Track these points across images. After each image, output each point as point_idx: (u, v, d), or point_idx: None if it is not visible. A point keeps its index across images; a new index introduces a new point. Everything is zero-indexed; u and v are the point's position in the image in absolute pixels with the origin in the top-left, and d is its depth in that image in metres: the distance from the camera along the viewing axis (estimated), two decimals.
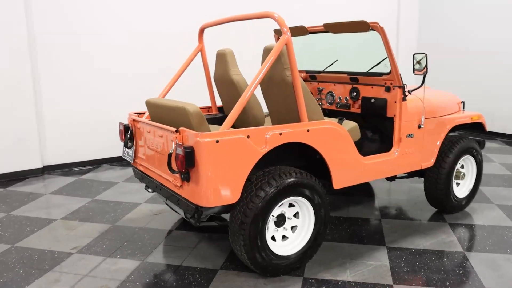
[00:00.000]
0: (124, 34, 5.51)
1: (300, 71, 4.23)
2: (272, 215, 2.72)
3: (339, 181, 3.01)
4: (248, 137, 2.53)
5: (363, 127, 3.80)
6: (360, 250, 3.15)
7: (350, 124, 3.30)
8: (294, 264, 2.82)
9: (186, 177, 2.50)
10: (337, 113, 3.96)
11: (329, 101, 3.93)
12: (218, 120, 3.75)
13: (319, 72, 4.05)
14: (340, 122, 3.28)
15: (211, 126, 3.34)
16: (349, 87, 3.74)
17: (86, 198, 4.33)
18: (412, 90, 3.39)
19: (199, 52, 3.65)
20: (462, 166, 4.01)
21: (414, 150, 3.46)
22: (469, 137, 3.91)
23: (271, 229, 2.77)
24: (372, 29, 3.15)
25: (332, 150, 2.91)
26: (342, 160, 2.98)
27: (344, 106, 3.77)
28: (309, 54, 4.20)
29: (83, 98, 5.39)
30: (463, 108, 4.02)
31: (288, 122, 3.00)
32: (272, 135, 2.61)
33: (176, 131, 2.56)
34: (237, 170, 2.51)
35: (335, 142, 2.91)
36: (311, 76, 4.15)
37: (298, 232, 2.89)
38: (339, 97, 3.81)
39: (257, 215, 2.58)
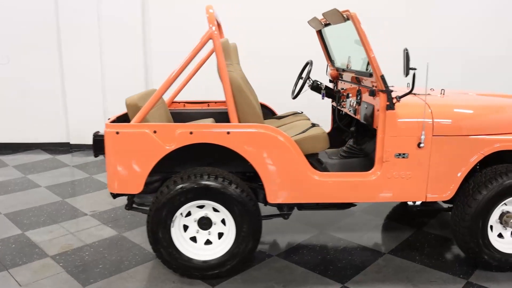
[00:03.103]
0: None
1: (332, 68, 3.74)
2: (181, 214, 2.66)
3: (275, 195, 2.66)
4: (154, 132, 2.57)
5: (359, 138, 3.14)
6: None
7: (314, 132, 2.80)
8: (207, 271, 2.68)
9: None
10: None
11: (347, 106, 3.36)
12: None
13: (343, 69, 3.50)
14: (312, 127, 2.85)
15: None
16: (356, 88, 3.12)
17: None
18: (401, 97, 2.60)
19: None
20: None
21: (410, 175, 2.67)
22: None
23: (193, 229, 2.72)
24: (348, 19, 2.59)
25: (265, 159, 2.59)
26: (279, 172, 2.61)
27: (354, 112, 3.18)
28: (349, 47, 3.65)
29: None
30: None
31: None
32: (180, 133, 2.55)
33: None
34: (139, 162, 2.58)
35: (269, 150, 2.58)
36: (340, 74, 3.62)
37: (222, 240, 2.73)
38: (351, 101, 3.22)
39: (160, 211, 2.59)
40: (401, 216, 3.72)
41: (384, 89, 2.57)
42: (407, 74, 2.44)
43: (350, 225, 3.53)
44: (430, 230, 3.46)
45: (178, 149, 2.58)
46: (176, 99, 3.72)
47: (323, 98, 3.50)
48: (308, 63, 3.45)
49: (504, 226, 2.83)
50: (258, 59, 5.45)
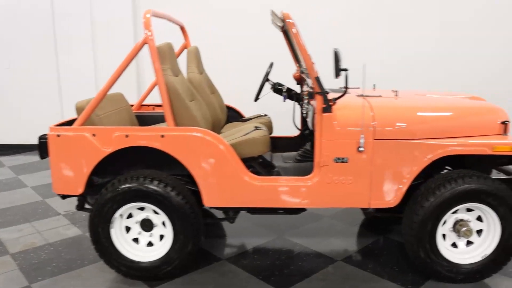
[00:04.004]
0: None
1: (297, 70, 3.67)
2: (121, 215, 2.69)
3: (211, 198, 2.64)
4: (94, 135, 2.62)
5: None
6: None
7: (252, 135, 2.75)
8: (146, 272, 2.70)
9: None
10: None
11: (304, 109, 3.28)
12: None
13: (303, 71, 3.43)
14: (254, 130, 2.81)
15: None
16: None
17: None
18: (336, 99, 2.51)
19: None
20: (480, 218, 2.66)
21: (352, 180, 2.58)
22: (489, 177, 2.55)
23: (135, 231, 2.75)
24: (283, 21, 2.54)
25: (199, 162, 2.58)
26: (214, 175, 2.59)
27: (307, 115, 3.10)
28: None
29: None
30: None
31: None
32: (117, 137, 2.59)
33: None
34: (79, 165, 2.64)
35: (203, 153, 2.57)
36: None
37: (163, 242, 2.74)
38: (304, 104, 3.14)
39: (100, 212, 2.64)
40: (371, 222, 3.60)
41: (319, 91, 2.50)
42: (337, 75, 2.37)
43: (312, 230, 3.45)
44: (395, 237, 3.32)
45: (131, 151, 2.63)
46: (149, 102, 3.78)
47: (284, 101, 3.44)
48: (270, 65, 3.41)
49: (458, 235, 2.68)
50: (246, 62, 5.46)
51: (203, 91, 3.14)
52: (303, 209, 2.84)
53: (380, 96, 2.83)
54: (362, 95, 2.81)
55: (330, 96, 2.56)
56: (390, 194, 2.61)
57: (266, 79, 3.24)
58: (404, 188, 2.60)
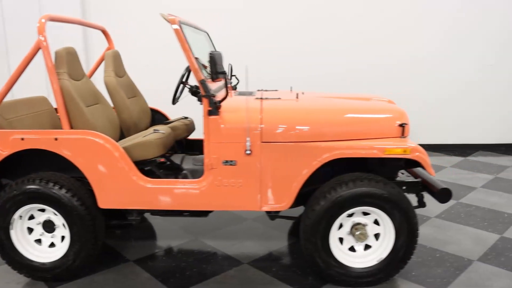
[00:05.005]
0: None
1: None
2: (20, 216, 2.73)
3: (104, 200, 2.67)
4: None
5: None
6: None
7: (145, 138, 2.77)
8: (47, 273, 2.74)
9: None
10: None
11: None
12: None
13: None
14: (151, 134, 2.83)
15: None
16: None
17: None
18: (220, 101, 2.51)
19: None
20: (377, 222, 2.63)
21: (241, 183, 2.58)
22: (382, 180, 2.53)
23: (37, 232, 2.79)
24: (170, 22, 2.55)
25: (91, 164, 2.61)
26: (106, 177, 2.62)
27: None
28: None
29: None
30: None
31: None
32: (13, 140, 2.64)
33: None
34: None
35: (94, 156, 2.60)
36: None
37: (64, 243, 2.78)
38: None
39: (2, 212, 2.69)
40: (294, 226, 3.58)
41: (204, 94, 2.51)
42: (214, 78, 2.37)
43: (231, 233, 3.45)
44: None
45: (40, 153, 2.67)
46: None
47: (201, 103, 3.45)
48: (186, 69, 3.43)
49: (355, 239, 2.66)
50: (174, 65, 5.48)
51: (118, 95, 3.18)
52: (208, 211, 2.85)
53: (279, 98, 2.82)
54: (260, 98, 2.81)
55: (236, 98, 2.56)
56: (281, 198, 2.60)
57: (181, 82, 3.26)
58: (295, 191, 2.59)
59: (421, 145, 6.04)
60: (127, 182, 2.62)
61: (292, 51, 5.82)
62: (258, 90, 3.43)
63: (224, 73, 2.38)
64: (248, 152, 2.52)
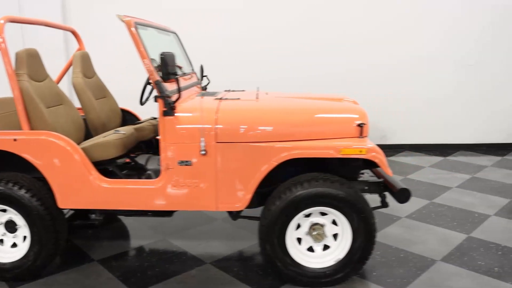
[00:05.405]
0: None
1: None
2: None
3: (64, 200, 2.68)
4: None
5: None
6: None
7: (104, 139, 2.78)
8: (7, 273, 2.76)
9: None
10: None
11: None
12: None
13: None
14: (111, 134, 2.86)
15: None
16: None
17: None
18: (174, 102, 2.52)
19: None
20: (335, 222, 2.64)
21: (197, 183, 2.59)
22: (337, 180, 2.54)
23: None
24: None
25: (50, 165, 2.63)
26: (64, 178, 2.64)
27: None
28: None
29: None
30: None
31: None
32: None
33: None
34: None
35: (53, 156, 2.62)
36: None
37: (26, 243, 2.79)
38: None
39: None
40: None
41: (160, 94, 2.52)
42: (165, 78, 2.39)
43: (199, 233, 3.46)
44: None
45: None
46: None
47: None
48: None
49: (313, 240, 2.67)
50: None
51: (85, 95, 3.19)
52: (172, 211, 2.86)
53: (238, 99, 2.83)
54: (219, 98, 2.82)
55: (197, 99, 2.58)
56: (237, 198, 2.61)
57: (148, 83, 3.27)
58: (251, 191, 2.60)
59: (402, 145, 6.05)
60: (84, 182, 2.64)
61: (292, 51, 5.81)
62: (225, 91, 3.44)
63: (175, 74, 2.39)
64: (203, 152, 2.53)
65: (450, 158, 5.64)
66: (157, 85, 2.52)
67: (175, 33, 3.55)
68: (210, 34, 5.80)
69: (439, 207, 3.95)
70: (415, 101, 5.90)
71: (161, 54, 2.36)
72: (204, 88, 3.65)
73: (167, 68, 2.37)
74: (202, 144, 2.52)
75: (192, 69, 3.60)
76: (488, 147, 6.00)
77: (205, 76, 3.73)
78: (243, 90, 3.44)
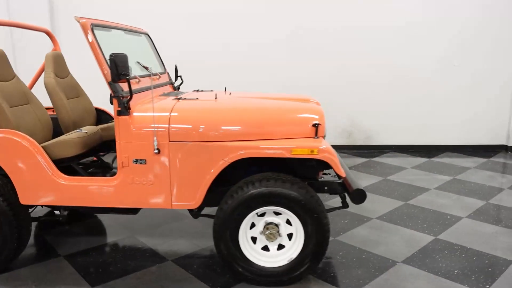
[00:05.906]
0: None
1: None
2: None
3: (25, 196, 2.76)
4: None
5: None
6: None
7: (65, 137, 2.85)
8: None
9: None
10: None
11: None
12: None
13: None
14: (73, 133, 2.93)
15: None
16: None
17: None
18: (128, 102, 2.57)
19: None
20: (289, 222, 2.66)
21: (152, 181, 2.64)
22: (289, 180, 2.56)
23: None
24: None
25: (11, 162, 2.71)
26: (24, 174, 2.71)
27: None
28: None
29: None
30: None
31: None
32: None
33: None
34: None
35: (13, 154, 2.70)
36: None
37: None
38: None
39: None
40: None
41: (113, 94, 2.58)
42: (115, 79, 2.44)
43: (167, 231, 3.51)
44: None
45: None
46: None
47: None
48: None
49: (266, 239, 2.69)
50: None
51: (56, 95, 3.27)
52: (137, 209, 2.91)
53: (196, 99, 2.87)
54: (177, 98, 2.86)
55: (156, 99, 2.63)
56: (191, 196, 2.65)
57: None
58: (204, 190, 2.63)
59: (388, 146, 6.01)
60: (44, 179, 2.71)
61: (280, 54, 5.88)
62: (193, 91, 3.48)
63: (126, 75, 2.44)
64: (156, 151, 2.58)
65: (434, 159, 5.60)
66: (111, 85, 2.58)
67: (147, 34, 3.61)
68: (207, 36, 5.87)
69: (413, 208, 3.93)
70: (399, 102, 5.87)
71: (110, 55, 2.41)
72: (177, 88, 3.70)
73: (116, 68, 2.42)
74: (155, 143, 2.57)
75: (164, 69, 3.66)
76: (475, 149, 5.94)
77: (180, 76, 3.78)
78: (211, 90, 3.48)
